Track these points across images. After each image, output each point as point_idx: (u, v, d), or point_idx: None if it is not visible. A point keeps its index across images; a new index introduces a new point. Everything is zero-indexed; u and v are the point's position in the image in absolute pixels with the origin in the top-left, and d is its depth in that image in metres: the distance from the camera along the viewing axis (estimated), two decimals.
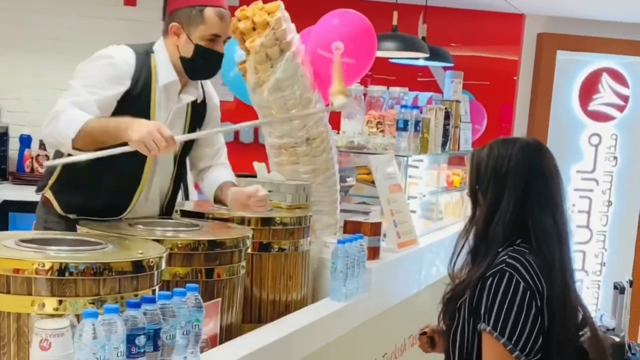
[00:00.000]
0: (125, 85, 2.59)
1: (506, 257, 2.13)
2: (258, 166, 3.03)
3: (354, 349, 2.92)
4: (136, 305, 1.62)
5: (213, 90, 2.95)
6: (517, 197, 2.18)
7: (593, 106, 6.46)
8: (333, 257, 2.69)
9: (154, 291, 1.92)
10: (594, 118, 6.47)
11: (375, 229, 3.10)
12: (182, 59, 2.67)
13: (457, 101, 4.60)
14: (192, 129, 2.80)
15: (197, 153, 2.94)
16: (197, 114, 2.83)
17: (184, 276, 2.19)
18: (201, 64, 2.69)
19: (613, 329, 4.65)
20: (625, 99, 6.42)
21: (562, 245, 2.19)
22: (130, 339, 1.60)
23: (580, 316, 2.22)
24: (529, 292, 2.08)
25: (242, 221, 2.61)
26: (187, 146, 2.86)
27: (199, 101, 2.81)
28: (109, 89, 2.56)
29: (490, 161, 2.23)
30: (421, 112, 4.04)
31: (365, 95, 4.06)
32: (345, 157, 4.23)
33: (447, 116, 4.33)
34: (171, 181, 2.81)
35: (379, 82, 4.70)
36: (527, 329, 2.07)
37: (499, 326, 2.07)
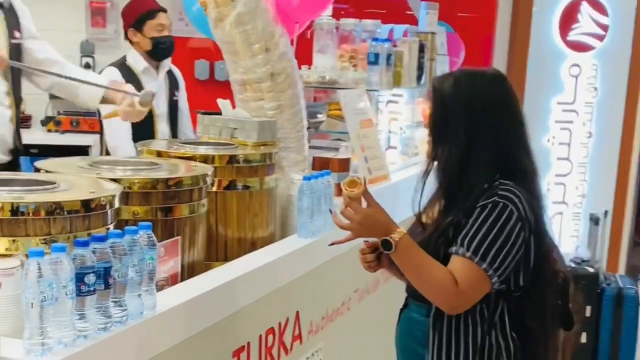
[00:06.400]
0: None
1: (497, 190, 2.09)
2: (222, 103, 2.99)
3: (326, 284, 2.92)
4: (84, 244, 1.61)
5: None
6: (493, 135, 2.12)
7: (573, 36, 6.38)
8: (299, 193, 2.68)
9: (108, 230, 1.91)
10: (573, 48, 6.40)
11: (343, 165, 3.09)
12: None
13: (433, 33, 4.54)
14: (10, 32, 3.03)
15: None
16: (9, 19, 3.06)
17: (143, 215, 2.18)
18: None
19: (588, 260, 4.69)
20: (604, 28, 6.34)
21: (538, 178, 2.19)
22: (79, 277, 1.58)
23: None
24: (520, 223, 2.05)
25: (205, 159, 2.59)
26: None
27: (5, 5, 3.03)
28: None
29: (459, 97, 2.14)
30: (395, 46, 3.99)
31: (337, 28, 3.98)
32: (322, 92, 4.19)
33: (421, 49, 4.28)
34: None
35: (370, 16, 4.57)
36: (510, 257, 2.05)
37: (481, 252, 2.02)
